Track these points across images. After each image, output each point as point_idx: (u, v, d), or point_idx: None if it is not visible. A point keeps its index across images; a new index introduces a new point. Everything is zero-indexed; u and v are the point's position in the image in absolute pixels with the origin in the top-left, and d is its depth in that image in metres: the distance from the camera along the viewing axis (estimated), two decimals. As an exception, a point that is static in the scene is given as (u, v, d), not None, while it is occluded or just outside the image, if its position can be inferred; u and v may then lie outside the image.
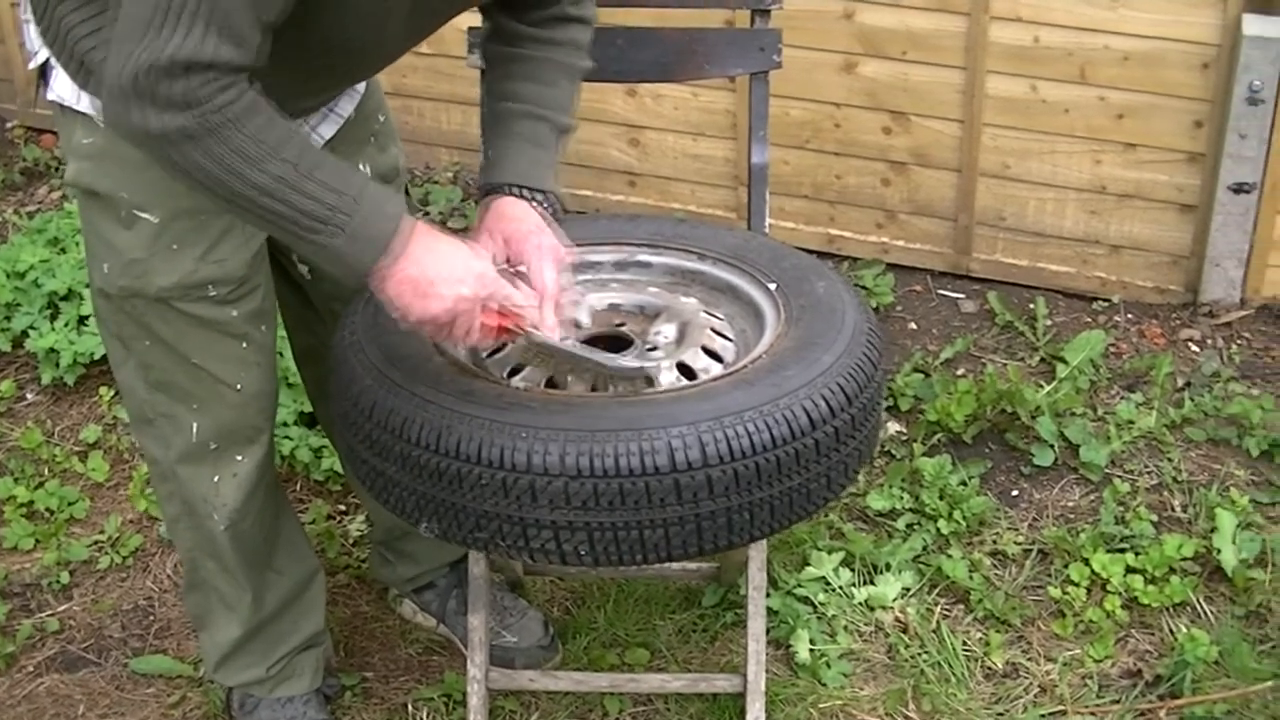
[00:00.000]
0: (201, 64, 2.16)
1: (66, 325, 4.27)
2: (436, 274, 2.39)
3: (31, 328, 4.30)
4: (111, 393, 4.14)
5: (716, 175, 4.78)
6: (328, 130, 2.77)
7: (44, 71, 2.61)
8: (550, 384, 2.65)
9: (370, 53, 2.56)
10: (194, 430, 2.83)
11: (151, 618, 3.58)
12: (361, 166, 2.87)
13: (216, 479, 2.89)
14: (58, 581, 3.66)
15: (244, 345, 2.77)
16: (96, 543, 3.77)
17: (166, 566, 3.69)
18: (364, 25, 2.41)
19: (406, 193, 3.09)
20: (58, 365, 4.21)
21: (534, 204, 2.66)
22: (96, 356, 4.15)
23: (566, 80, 2.77)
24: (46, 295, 4.34)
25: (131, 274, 2.65)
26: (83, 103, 2.56)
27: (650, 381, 2.64)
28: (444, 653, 3.44)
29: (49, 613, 3.59)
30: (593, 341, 2.79)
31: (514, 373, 2.66)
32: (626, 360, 2.67)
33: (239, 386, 2.80)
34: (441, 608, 3.45)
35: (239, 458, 2.88)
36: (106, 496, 3.92)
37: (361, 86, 2.83)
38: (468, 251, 2.46)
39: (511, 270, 2.59)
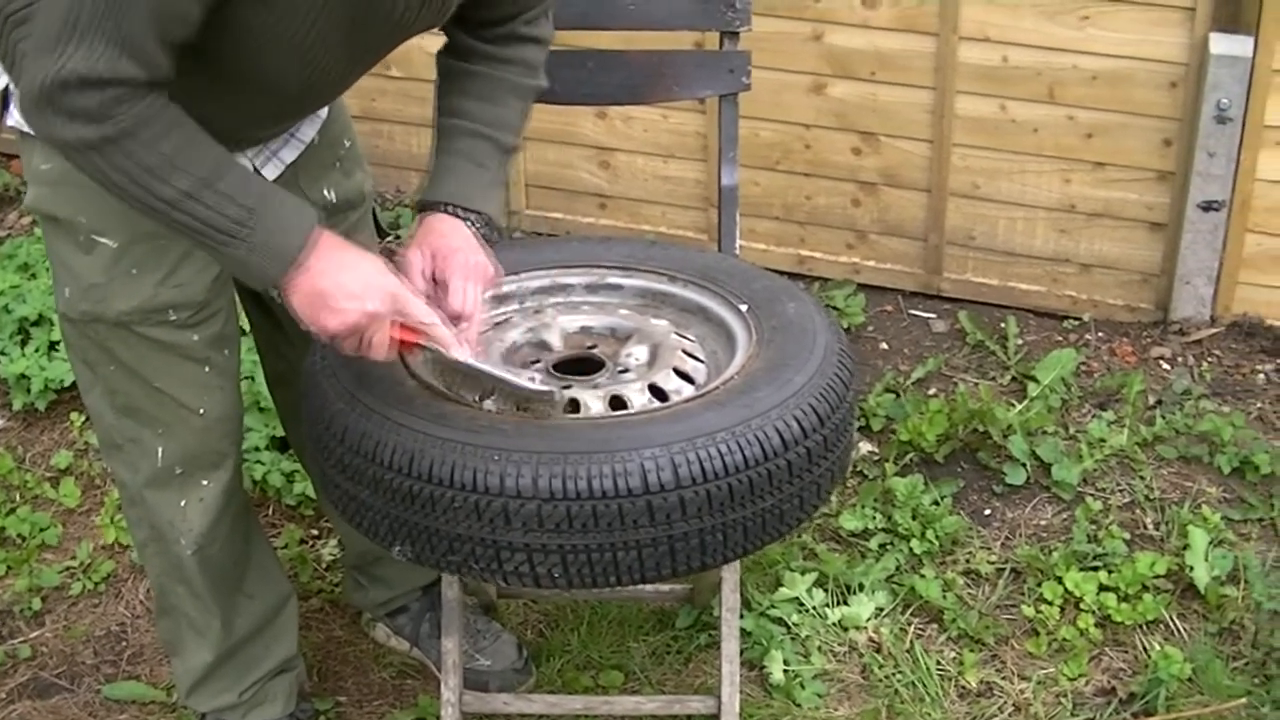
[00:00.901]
0: (102, 79, 2.20)
1: (37, 351, 4.26)
2: (339, 287, 2.41)
3: (2, 353, 4.29)
4: (83, 418, 4.13)
5: (687, 197, 4.78)
6: (289, 155, 2.76)
7: (5, 96, 2.62)
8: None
9: (311, 86, 2.55)
10: (159, 455, 2.83)
11: (124, 644, 3.57)
12: (326, 192, 2.87)
13: (183, 504, 2.88)
14: (29, 608, 3.65)
15: (206, 369, 2.77)
16: (68, 569, 3.76)
17: (139, 592, 3.68)
18: (293, 61, 2.41)
19: (375, 217, 3.08)
20: (29, 391, 4.20)
21: (467, 224, 2.67)
22: (67, 382, 4.13)
23: (515, 100, 2.77)
24: (17, 321, 4.33)
25: (91, 298, 2.66)
26: None
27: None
28: (418, 676, 3.44)
29: (21, 639, 3.58)
30: (564, 364, 2.79)
31: (485, 396, 2.66)
32: (534, 383, 2.66)
33: (202, 411, 2.80)
34: (415, 631, 3.44)
35: (205, 482, 2.88)
36: (78, 522, 3.91)
37: (324, 112, 2.83)
38: (376, 265, 2.47)
39: (434, 285, 2.61)
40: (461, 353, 2.54)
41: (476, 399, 2.63)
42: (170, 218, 2.31)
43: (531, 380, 2.66)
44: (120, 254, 2.62)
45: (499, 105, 2.74)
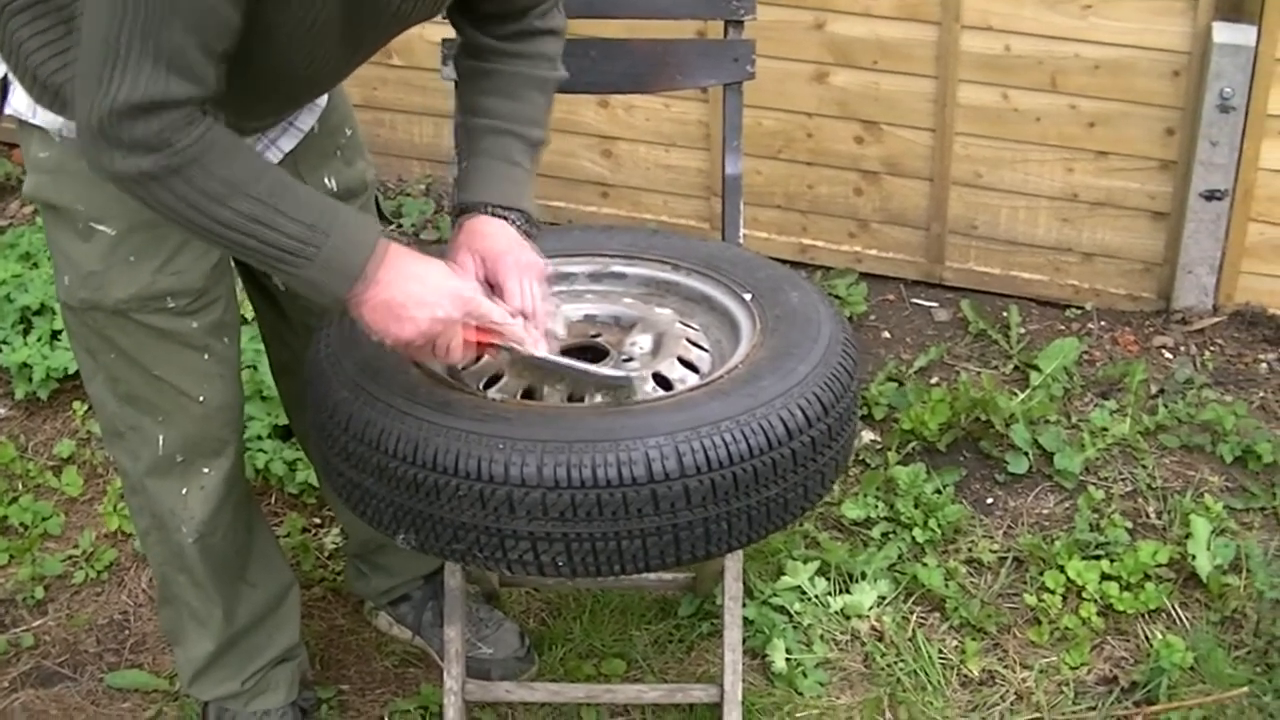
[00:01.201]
0: (156, 103, 2.18)
1: (39, 340, 4.25)
2: (409, 297, 2.39)
3: (4, 342, 4.29)
4: (85, 407, 4.13)
5: (689, 186, 4.78)
6: (287, 144, 2.76)
7: (3, 85, 2.61)
8: (527, 394, 2.65)
9: (309, 77, 2.55)
10: (160, 443, 2.83)
11: (127, 632, 3.57)
12: (327, 180, 2.86)
13: (184, 491, 2.88)
14: (32, 597, 3.64)
15: (205, 357, 2.77)
16: (71, 557, 3.76)
17: (141, 581, 3.68)
18: (293, 53, 2.40)
19: (378, 205, 3.08)
20: (31, 380, 4.19)
21: (508, 223, 2.66)
22: (70, 371, 4.13)
23: (537, 93, 2.76)
24: (19, 310, 4.32)
25: (90, 286, 2.66)
26: (39, 117, 2.56)
27: (633, 390, 2.64)
28: (420, 665, 3.44)
29: (24, 628, 3.58)
30: (568, 352, 2.79)
31: (490, 384, 2.66)
32: (611, 369, 2.67)
33: (202, 399, 2.80)
34: (417, 620, 3.44)
35: (206, 470, 2.88)
36: (81, 511, 3.91)
37: (322, 100, 2.82)
38: (443, 271, 2.46)
39: (489, 287, 2.58)
40: (539, 349, 2.54)
41: (559, 392, 2.63)
42: (235, 241, 2.30)
43: (606, 369, 2.68)
44: (118, 241, 2.62)
45: (522, 101, 2.73)
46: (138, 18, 2.14)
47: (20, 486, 3.97)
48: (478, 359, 2.59)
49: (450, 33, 2.83)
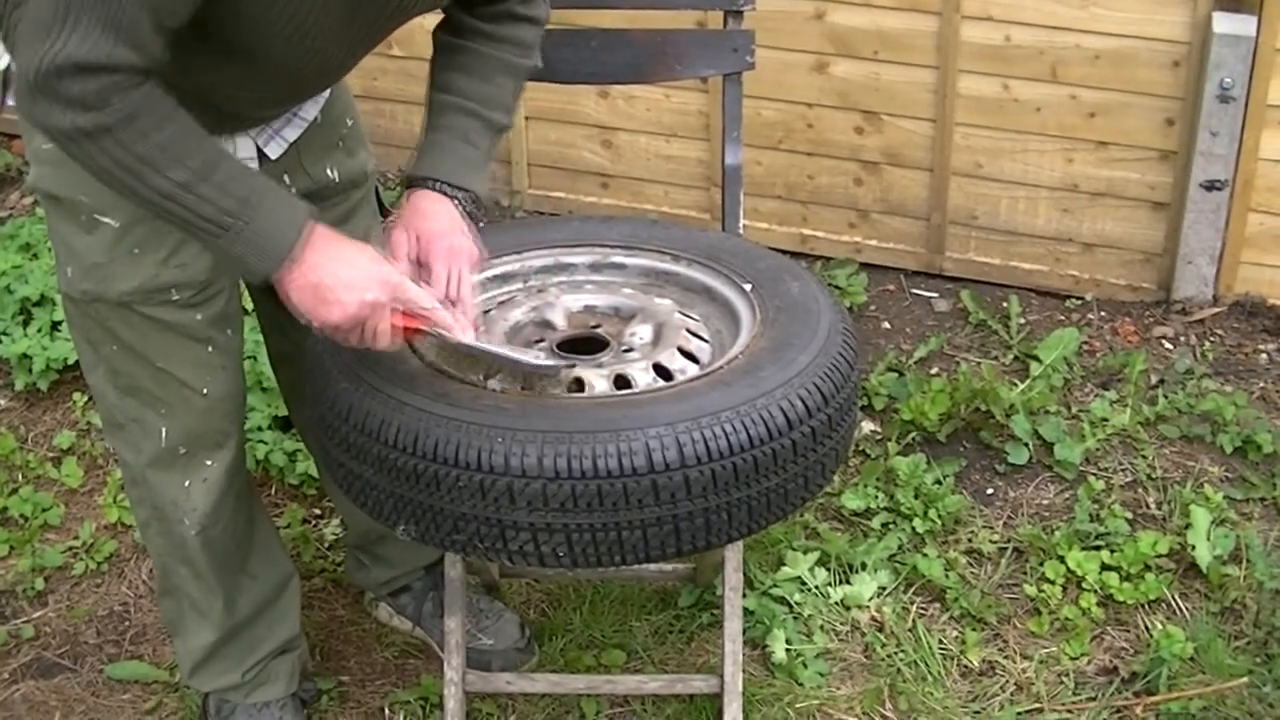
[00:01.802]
0: (97, 65, 2.20)
1: (39, 331, 4.25)
2: (337, 280, 2.41)
3: (4, 333, 4.28)
4: (85, 398, 4.13)
5: (689, 176, 4.78)
6: (292, 134, 2.76)
7: (6, 76, 2.61)
8: (527, 386, 2.65)
9: (313, 69, 2.54)
10: (163, 435, 2.82)
11: (127, 623, 3.57)
12: (329, 171, 2.86)
13: (187, 484, 2.88)
14: (32, 588, 3.64)
15: (209, 349, 2.77)
16: (71, 549, 3.76)
17: (141, 572, 3.68)
18: (295, 44, 2.40)
19: (378, 196, 3.08)
20: (31, 371, 4.19)
21: (454, 202, 2.67)
22: (70, 362, 4.13)
23: (508, 78, 2.77)
24: (19, 301, 4.32)
25: (93, 278, 2.66)
26: None
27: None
28: (420, 656, 3.44)
29: (24, 619, 3.58)
30: (568, 343, 2.79)
31: (490, 376, 2.66)
32: (541, 358, 2.66)
33: (205, 391, 2.80)
34: (417, 611, 3.44)
35: (208, 462, 2.88)
36: (81, 502, 3.91)
37: (326, 91, 2.82)
38: (370, 254, 2.48)
39: (418, 267, 2.62)
40: (465, 335, 2.54)
41: (482, 379, 2.63)
42: (163, 208, 2.32)
43: (536, 357, 2.66)
44: (122, 234, 2.62)
45: (490, 83, 2.74)
46: None
47: (20, 478, 3.97)
48: (408, 345, 2.61)
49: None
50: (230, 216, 2.33)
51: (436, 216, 2.65)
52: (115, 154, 2.26)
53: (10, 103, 2.60)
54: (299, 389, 2.91)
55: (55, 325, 4.25)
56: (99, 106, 2.22)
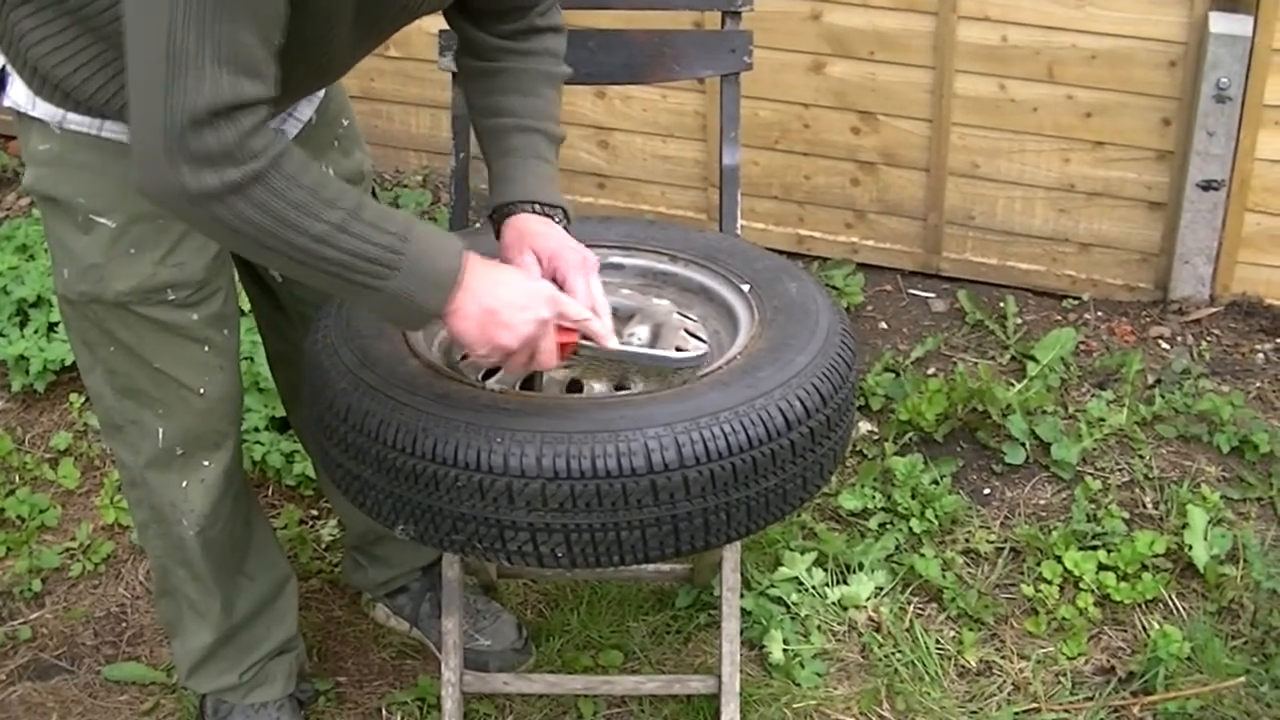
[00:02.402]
0: (229, 106, 2.09)
1: (36, 332, 4.25)
2: (505, 302, 2.35)
3: (1, 335, 4.28)
4: (82, 399, 4.13)
5: (686, 177, 4.78)
6: (288, 133, 2.75)
7: (1, 77, 2.60)
8: (526, 385, 2.65)
9: (318, 68, 2.53)
10: (160, 436, 2.82)
11: (124, 625, 3.57)
12: (325, 170, 2.86)
13: (185, 485, 2.88)
14: (29, 589, 3.64)
15: (206, 349, 2.76)
16: (68, 550, 3.76)
17: (139, 573, 3.68)
18: (303, 44, 2.39)
19: (375, 196, 3.07)
20: (27, 372, 4.19)
21: (555, 219, 2.64)
22: (67, 363, 4.13)
23: (549, 89, 2.76)
24: (15, 302, 4.32)
25: (90, 279, 2.65)
26: (38, 109, 2.54)
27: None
28: (418, 657, 3.44)
29: (21, 620, 3.58)
30: None
31: (489, 375, 2.66)
32: (682, 353, 2.66)
33: (202, 391, 2.79)
34: (415, 612, 3.44)
35: (206, 463, 2.88)
36: (78, 503, 3.91)
37: (320, 91, 2.82)
38: (522, 274, 2.45)
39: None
40: (614, 342, 2.52)
41: (625, 384, 2.62)
42: (320, 256, 2.21)
43: (671, 350, 2.68)
44: (119, 234, 2.61)
45: (539, 97, 2.72)
46: (195, 17, 2.05)
47: (17, 479, 3.97)
48: (565, 363, 2.55)
49: (445, 24, 2.83)
50: (394, 252, 2.24)
51: (549, 235, 2.61)
52: (270, 205, 2.14)
53: (7, 102, 2.60)
54: (296, 390, 2.91)
55: (52, 326, 4.25)
56: (246, 156, 2.11)
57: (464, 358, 2.71)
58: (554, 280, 2.54)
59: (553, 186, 2.68)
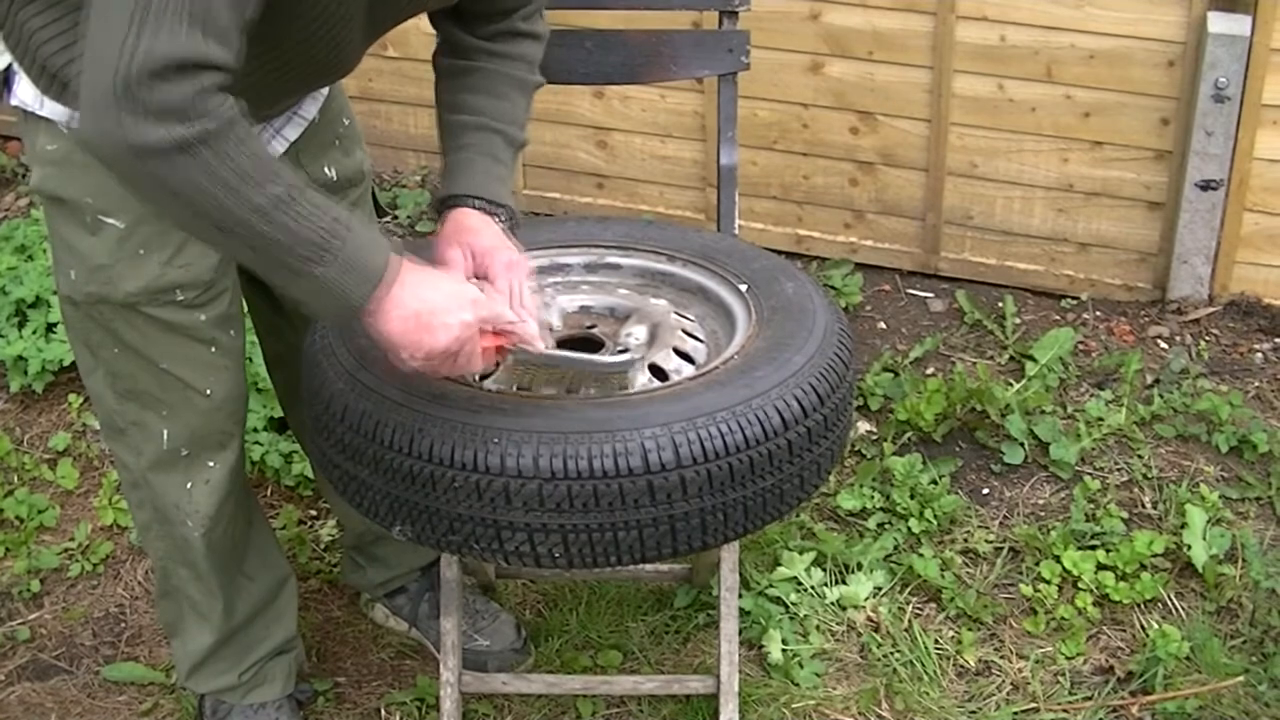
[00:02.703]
0: (193, 62, 2.05)
1: (34, 332, 4.25)
2: (432, 305, 2.34)
3: (-1, 335, 4.29)
4: (80, 400, 4.13)
5: (685, 177, 4.78)
6: (292, 133, 2.75)
7: (6, 76, 2.58)
8: (522, 386, 2.65)
9: (330, 61, 2.53)
10: (165, 437, 2.81)
11: (123, 625, 3.56)
12: (327, 170, 2.86)
13: (189, 486, 2.87)
14: (28, 590, 3.64)
15: (212, 350, 2.76)
16: (67, 550, 3.76)
17: (138, 573, 3.68)
18: (318, 34, 2.39)
19: (374, 196, 3.08)
20: (26, 373, 4.19)
21: (495, 218, 2.65)
22: (65, 363, 4.13)
23: (519, 94, 2.76)
24: (14, 303, 4.31)
25: (98, 280, 2.63)
26: (46, 108, 2.53)
27: (629, 376, 2.65)
28: (416, 657, 3.44)
29: (19, 621, 3.58)
30: (564, 344, 2.79)
31: (485, 375, 2.66)
32: (611, 357, 2.67)
33: (208, 392, 2.79)
34: (413, 612, 3.44)
35: (211, 464, 2.87)
36: (76, 504, 3.91)
37: (324, 89, 2.82)
38: (450, 276, 2.44)
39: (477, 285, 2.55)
40: (542, 346, 2.52)
41: (556, 389, 2.62)
42: (254, 231, 2.16)
43: (605, 355, 2.69)
44: (127, 234, 2.60)
45: (505, 100, 2.72)
46: None
47: (16, 479, 3.96)
48: (495, 365, 2.56)
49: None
50: (329, 235, 2.20)
51: (485, 233, 2.61)
52: (213, 168, 2.09)
53: (13, 102, 2.59)
54: (294, 390, 2.91)
55: (50, 327, 4.25)
56: (196, 114, 2.05)
57: (485, 375, 2.69)
58: (480, 278, 2.55)
59: (501, 186, 2.68)
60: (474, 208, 2.64)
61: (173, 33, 2.03)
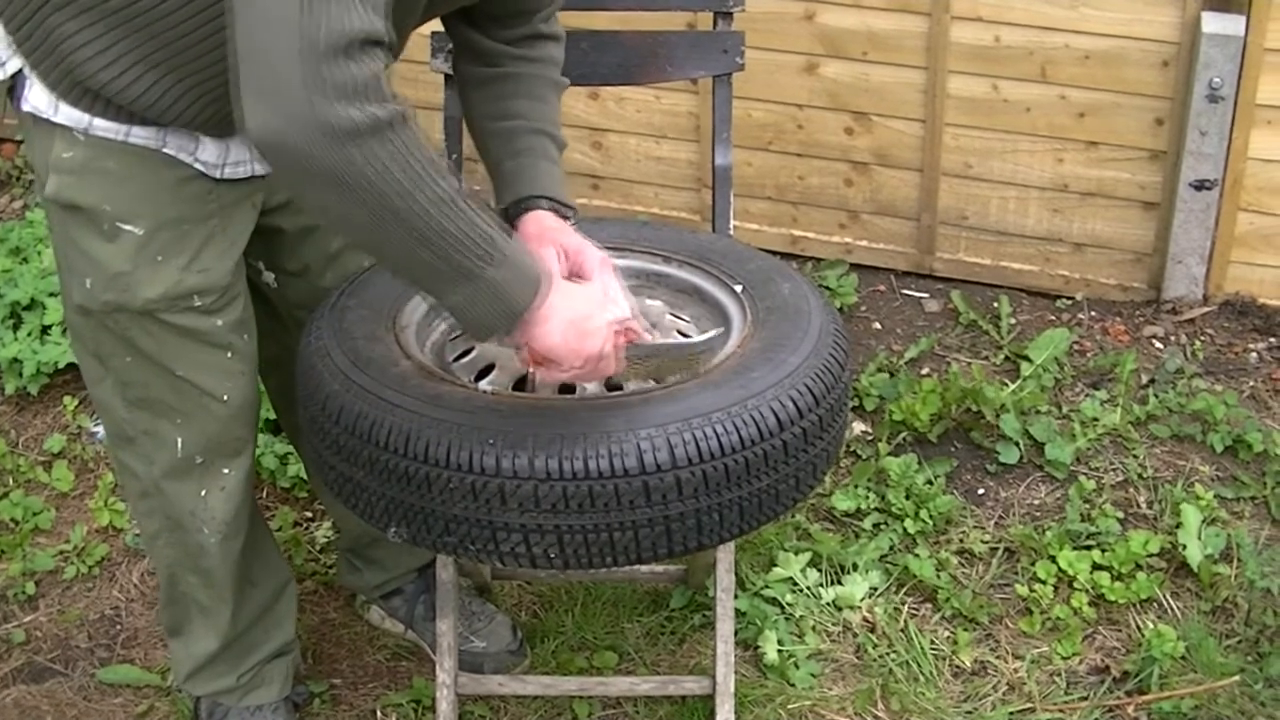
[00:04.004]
0: (374, 37, 2.01)
1: (29, 335, 4.25)
2: (584, 308, 2.35)
3: (-6, 338, 4.29)
4: (75, 402, 4.12)
5: (680, 178, 4.78)
6: None
7: (13, 81, 2.54)
8: (518, 386, 2.65)
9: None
10: (179, 445, 2.80)
11: (118, 627, 3.56)
12: None
13: (204, 493, 2.86)
14: (23, 592, 3.64)
15: (229, 355, 2.75)
16: (62, 553, 3.75)
17: (133, 575, 3.68)
18: (397, 22, 2.34)
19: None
20: (21, 375, 4.19)
21: (568, 220, 2.64)
22: (60, 365, 4.13)
23: (555, 96, 2.78)
24: (9, 305, 4.31)
25: (117, 287, 2.61)
26: (61, 114, 2.50)
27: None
28: (412, 658, 3.44)
29: (15, 624, 3.57)
30: None
31: (480, 376, 2.66)
32: (704, 335, 2.65)
33: (225, 398, 2.78)
34: (409, 613, 3.44)
35: (226, 470, 2.86)
36: (71, 506, 3.90)
37: None
38: (585, 284, 2.44)
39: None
40: (651, 338, 2.53)
41: (647, 380, 2.62)
42: (435, 225, 2.12)
43: (694, 336, 2.69)
44: (146, 241, 2.58)
45: (545, 103, 2.73)
46: None
47: (11, 482, 3.96)
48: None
49: (440, 26, 2.83)
50: (496, 234, 2.18)
51: (568, 232, 2.59)
52: (403, 154, 2.05)
53: (24, 108, 2.55)
54: (288, 394, 2.91)
55: (45, 329, 4.25)
56: (386, 95, 2.01)
57: (455, 359, 2.70)
58: (576, 276, 2.52)
59: (563, 187, 2.67)
60: (548, 209, 2.63)
61: (347, 8, 1.99)
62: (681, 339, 2.67)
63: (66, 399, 4.17)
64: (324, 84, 1.97)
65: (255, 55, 2.01)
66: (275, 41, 1.98)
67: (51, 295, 4.27)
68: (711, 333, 2.64)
